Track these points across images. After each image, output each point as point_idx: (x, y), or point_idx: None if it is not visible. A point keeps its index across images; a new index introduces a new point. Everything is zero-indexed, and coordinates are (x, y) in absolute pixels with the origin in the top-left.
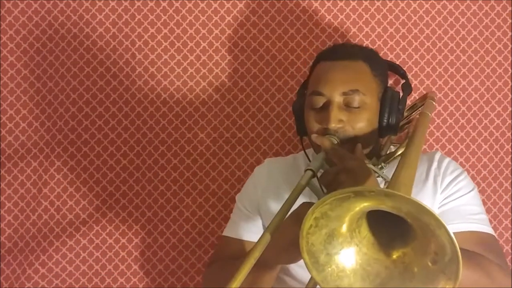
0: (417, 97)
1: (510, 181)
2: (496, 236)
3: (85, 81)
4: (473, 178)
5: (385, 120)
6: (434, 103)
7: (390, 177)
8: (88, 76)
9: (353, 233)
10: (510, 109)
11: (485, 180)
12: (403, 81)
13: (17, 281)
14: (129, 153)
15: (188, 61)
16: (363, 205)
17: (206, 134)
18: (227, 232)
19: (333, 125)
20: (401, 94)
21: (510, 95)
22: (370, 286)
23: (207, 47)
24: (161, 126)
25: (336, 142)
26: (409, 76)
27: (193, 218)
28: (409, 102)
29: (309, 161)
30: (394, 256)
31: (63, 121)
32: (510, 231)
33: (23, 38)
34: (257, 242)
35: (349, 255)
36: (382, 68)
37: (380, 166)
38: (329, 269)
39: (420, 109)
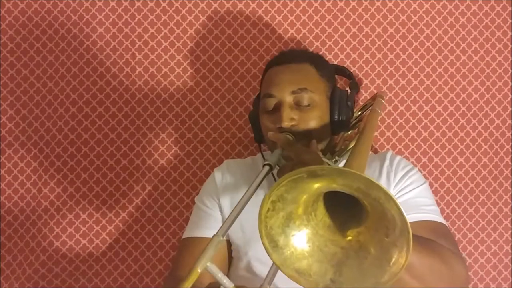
0: (418, 99)
1: (510, 181)
2: (448, 226)
3: (85, 81)
4: (473, 178)
5: (336, 116)
6: (383, 101)
7: None
8: (88, 76)
9: (309, 216)
10: (510, 109)
11: (485, 180)
12: (350, 81)
13: (17, 281)
14: (129, 153)
15: (188, 61)
16: (317, 186)
17: (206, 134)
18: (187, 233)
19: (286, 123)
20: (349, 92)
21: (510, 95)
22: (327, 266)
23: (207, 47)
24: (161, 126)
25: (292, 138)
26: (411, 76)
27: None
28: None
29: (264, 160)
30: (350, 236)
31: (63, 121)
32: (510, 231)
33: (23, 38)
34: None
35: (307, 238)
36: (328, 69)
37: (334, 159)
38: (288, 252)
39: (370, 108)
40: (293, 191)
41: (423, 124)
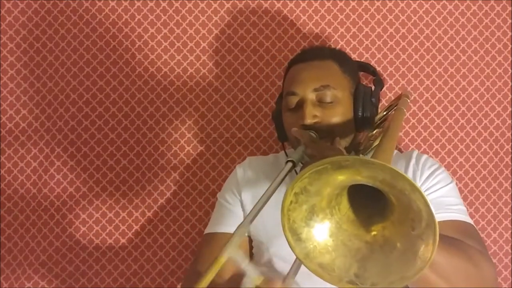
0: (418, 99)
1: (510, 181)
2: (475, 226)
3: (85, 81)
4: (473, 178)
5: (359, 113)
6: (408, 100)
7: None
8: (88, 76)
9: (333, 210)
10: (510, 109)
11: (485, 180)
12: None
13: (17, 281)
14: (129, 153)
15: (188, 61)
16: (341, 178)
17: (206, 134)
18: (209, 229)
19: (308, 120)
20: (373, 88)
21: (510, 95)
22: (351, 261)
23: (207, 47)
24: (161, 126)
25: (315, 136)
26: (410, 76)
27: (193, 218)
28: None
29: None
30: (374, 231)
31: (63, 121)
32: (510, 231)
33: (23, 38)
34: (235, 229)
35: (330, 232)
36: (351, 66)
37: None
38: (311, 246)
39: (395, 107)
40: (316, 183)
41: (423, 124)
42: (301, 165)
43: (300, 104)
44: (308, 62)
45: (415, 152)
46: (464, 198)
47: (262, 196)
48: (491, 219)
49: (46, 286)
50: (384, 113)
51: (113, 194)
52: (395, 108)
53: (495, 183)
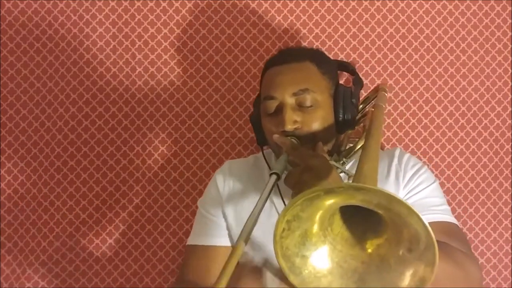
0: (418, 99)
1: (510, 181)
2: (459, 225)
3: (85, 81)
4: (473, 178)
5: (340, 116)
6: (386, 94)
7: (352, 171)
8: (88, 76)
9: (325, 232)
10: (510, 109)
11: (485, 180)
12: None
13: (17, 281)
14: (129, 153)
15: (188, 61)
16: (333, 202)
17: (206, 134)
18: (192, 240)
19: (289, 126)
20: (353, 89)
21: (510, 95)
22: (348, 283)
23: (206, 47)
24: (161, 126)
25: (297, 142)
26: (411, 76)
27: (193, 218)
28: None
29: (267, 163)
30: (369, 250)
31: (63, 121)
32: (510, 231)
33: (23, 38)
34: (231, 252)
35: (325, 255)
36: (330, 66)
37: (342, 161)
38: (306, 271)
39: (373, 101)
40: (308, 209)
41: (423, 124)
42: (286, 173)
43: (280, 109)
44: (285, 64)
45: (397, 150)
46: (464, 198)
47: (252, 212)
48: (491, 219)
49: (46, 286)
50: (361, 106)
51: (113, 194)
52: (374, 104)
53: (495, 183)
